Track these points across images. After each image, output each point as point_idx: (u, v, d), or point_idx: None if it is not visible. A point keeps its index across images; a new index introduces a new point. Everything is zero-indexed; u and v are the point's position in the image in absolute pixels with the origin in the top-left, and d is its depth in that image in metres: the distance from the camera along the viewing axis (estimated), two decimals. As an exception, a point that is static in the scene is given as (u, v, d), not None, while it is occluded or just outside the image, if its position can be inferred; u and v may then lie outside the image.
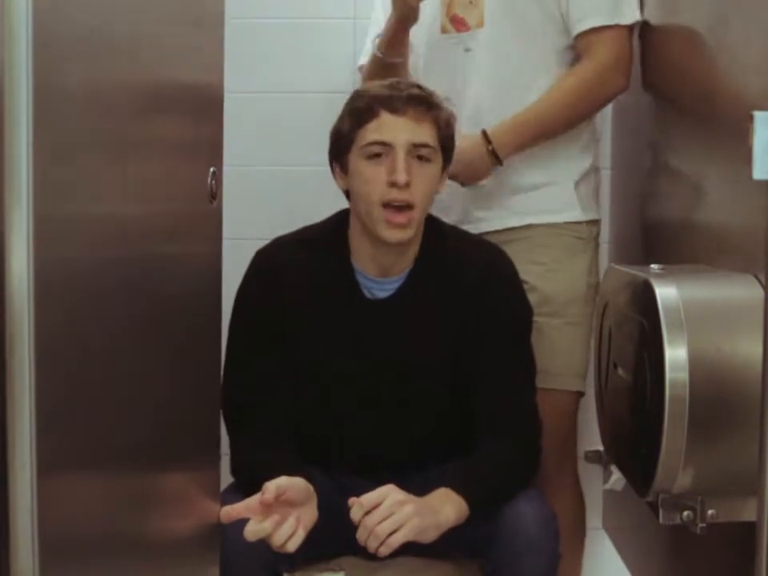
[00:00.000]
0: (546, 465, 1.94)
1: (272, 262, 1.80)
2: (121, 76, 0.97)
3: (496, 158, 1.94)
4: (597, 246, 2.05)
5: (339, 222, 1.82)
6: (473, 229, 1.98)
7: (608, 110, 2.14)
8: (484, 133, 1.94)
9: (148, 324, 1.06)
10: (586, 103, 1.96)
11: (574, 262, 1.99)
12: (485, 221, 2.01)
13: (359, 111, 1.72)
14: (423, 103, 1.72)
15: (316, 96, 2.29)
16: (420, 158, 1.71)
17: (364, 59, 2.14)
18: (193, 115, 1.25)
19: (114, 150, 0.96)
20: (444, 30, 2.00)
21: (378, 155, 1.70)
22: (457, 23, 1.99)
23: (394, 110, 1.70)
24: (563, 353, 1.95)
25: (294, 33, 2.34)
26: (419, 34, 2.02)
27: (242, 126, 2.20)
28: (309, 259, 1.79)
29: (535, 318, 1.92)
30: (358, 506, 1.50)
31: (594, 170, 2.06)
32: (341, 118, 1.76)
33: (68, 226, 0.86)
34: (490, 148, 1.93)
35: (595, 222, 2.05)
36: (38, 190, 0.79)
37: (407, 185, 1.68)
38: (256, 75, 2.33)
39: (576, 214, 2.00)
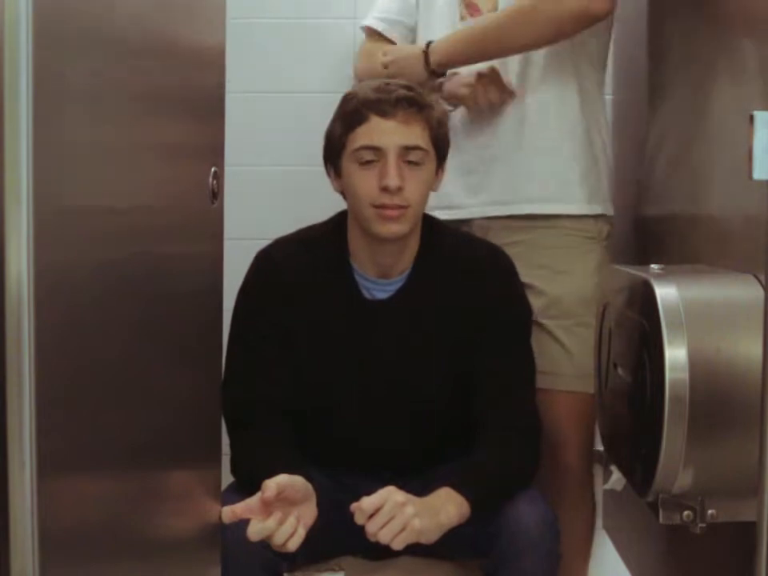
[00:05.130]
0: (569, 470, 1.94)
1: (273, 262, 1.80)
2: (122, 75, 0.97)
3: (426, 61, 1.94)
4: (608, 245, 1.97)
5: (339, 222, 1.82)
6: (461, 215, 1.98)
7: (608, 109, 2.14)
8: (429, 42, 1.96)
9: (149, 324, 1.06)
10: (529, 18, 1.85)
11: (580, 261, 1.93)
12: (471, 207, 1.98)
13: (349, 115, 1.72)
14: (413, 105, 1.71)
15: (316, 96, 2.30)
16: (412, 161, 1.71)
17: (371, 21, 2.14)
18: (194, 115, 1.25)
19: (115, 149, 0.96)
20: (462, 18, 1.99)
21: (369, 161, 1.70)
22: (471, 9, 1.98)
23: (383, 114, 1.69)
24: (576, 354, 1.91)
25: (294, 33, 2.34)
26: (437, 24, 2.02)
27: (242, 126, 2.20)
28: (309, 260, 1.79)
29: (543, 321, 1.91)
30: (359, 510, 1.50)
31: (604, 163, 1.99)
32: (332, 122, 1.76)
33: (68, 225, 0.86)
34: (424, 50, 1.94)
35: (605, 219, 1.97)
36: (38, 190, 0.79)
37: (399, 189, 1.68)
38: (256, 75, 2.33)
39: (580, 207, 1.94)
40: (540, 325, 1.92)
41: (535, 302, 1.90)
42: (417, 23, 2.09)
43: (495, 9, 1.94)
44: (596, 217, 1.96)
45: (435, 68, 1.95)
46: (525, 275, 1.89)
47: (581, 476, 1.97)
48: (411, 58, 1.95)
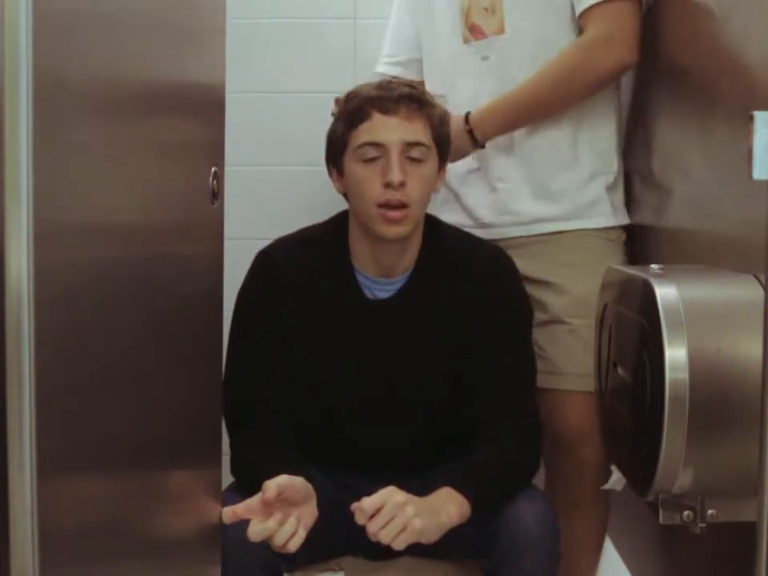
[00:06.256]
0: (590, 470, 1.92)
1: (273, 261, 1.80)
2: (122, 76, 0.97)
3: (473, 139, 1.92)
4: (626, 251, 1.98)
5: (340, 222, 1.82)
6: (491, 234, 1.95)
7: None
8: (467, 114, 1.93)
9: (149, 324, 1.06)
10: (573, 80, 1.88)
11: (603, 263, 1.84)
12: (506, 226, 1.97)
13: (351, 113, 1.72)
14: (415, 101, 1.71)
15: (316, 96, 2.29)
16: (414, 158, 1.71)
17: (384, 67, 2.13)
18: (194, 115, 1.25)
19: (115, 149, 0.96)
20: (466, 40, 1.98)
21: (372, 159, 1.70)
22: (474, 32, 1.96)
23: (385, 110, 1.70)
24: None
25: (294, 33, 2.34)
26: (443, 51, 2.01)
27: (242, 126, 2.20)
28: (310, 259, 1.79)
29: (568, 320, 1.91)
30: (360, 511, 1.50)
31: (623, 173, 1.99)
32: (335, 121, 1.77)
33: (68, 225, 0.86)
34: (467, 128, 1.92)
35: (625, 228, 1.98)
36: (38, 190, 0.79)
37: (402, 185, 1.68)
38: (256, 75, 2.33)
39: (609, 219, 1.95)
40: (564, 323, 1.91)
41: (558, 301, 1.91)
42: (422, 53, 2.09)
43: (502, 31, 1.92)
44: (620, 226, 1.97)
45: (483, 141, 1.94)
46: (549, 273, 1.91)
47: (600, 476, 1.97)
48: (457, 139, 1.89)
